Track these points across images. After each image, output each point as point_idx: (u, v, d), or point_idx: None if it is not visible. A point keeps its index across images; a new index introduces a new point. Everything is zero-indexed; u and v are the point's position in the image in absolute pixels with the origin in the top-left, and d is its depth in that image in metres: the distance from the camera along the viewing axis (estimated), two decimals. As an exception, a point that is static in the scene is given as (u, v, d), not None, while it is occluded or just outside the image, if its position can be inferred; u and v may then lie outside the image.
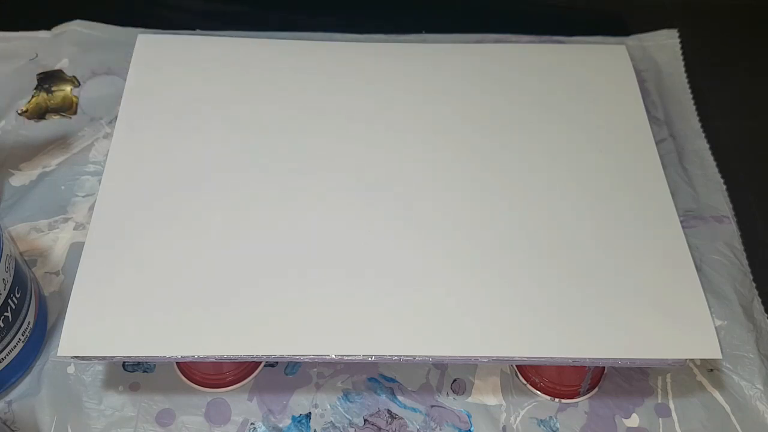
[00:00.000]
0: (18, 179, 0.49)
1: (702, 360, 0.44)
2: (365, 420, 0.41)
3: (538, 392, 0.42)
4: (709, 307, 0.39)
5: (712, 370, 0.43)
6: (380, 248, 0.41)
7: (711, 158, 0.53)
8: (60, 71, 0.54)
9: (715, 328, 0.38)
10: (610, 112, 0.48)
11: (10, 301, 0.38)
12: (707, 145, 0.53)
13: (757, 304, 0.46)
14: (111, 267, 0.39)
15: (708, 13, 0.63)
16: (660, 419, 0.42)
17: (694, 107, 0.56)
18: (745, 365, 0.43)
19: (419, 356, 0.37)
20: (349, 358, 0.37)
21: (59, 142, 0.51)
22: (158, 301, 0.38)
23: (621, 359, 0.38)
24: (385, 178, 0.43)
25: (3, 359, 0.39)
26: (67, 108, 0.53)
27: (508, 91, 0.49)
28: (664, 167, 0.45)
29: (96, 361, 0.41)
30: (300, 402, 0.41)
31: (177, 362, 0.42)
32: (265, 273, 0.39)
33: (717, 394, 0.43)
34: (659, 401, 0.42)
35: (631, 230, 0.42)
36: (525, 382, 0.43)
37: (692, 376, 0.43)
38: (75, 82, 0.54)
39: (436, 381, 0.43)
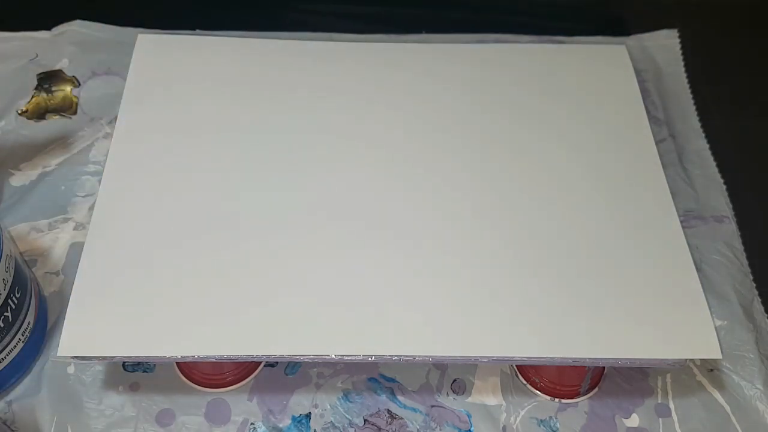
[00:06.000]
0: (18, 179, 0.49)
1: (702, 360, 0.44)
2: (365, 420, 0.41)
3: (538, 392, 0.42)
4: (709, 307, 0.39)
5: (712, 370, 0.43)
6: (380, 248, 0.40)
7: (711, 158, 0.53)
8: (60, 71, 0.54)
9: (715, 328, 0.38)
10: (610, 112, 0.48)
11: (10, 301, 0.38)
12: (707, 145, 0.53)
13: (757, 304, 0.46)
14: (111, 267, 0.39)
15: (708, 13, 0.63)
16: (660, 419, 0.42)
17: (694, 107, 0.56)
18: (745, 365, 0.43)
19: (419, 356, 0.37)
20: (349, 358, 0.37)
21: (59, 142, 0.51)
22: (158, 300, 0.38)
23: (621, 359, 0.38)
24: (384, 178, 0.43)
25: (3, 359, 0.39)
26: (67, 108, 0.53)
27: (508, 91, 0.49)
28: (664, 167, 0.45)
29: (96, 361, 0.41)
30: (300, 402, 0.41)
31: (177, 362, 0.42)
32: (266, 273, 0.39)
33: (717, 394, 0.43)
34: (659, 401, 0.42)
35: (631, 230, 0.42)
36: (525, 382, 0.43)
37: (692, 376, 0.43)
38: (75, 82, 0.54)
39: (436, 381, 0.43)
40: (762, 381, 0.43)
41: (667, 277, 0.40)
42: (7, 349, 0.39)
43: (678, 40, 0.59)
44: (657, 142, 0.46)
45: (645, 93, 0.54)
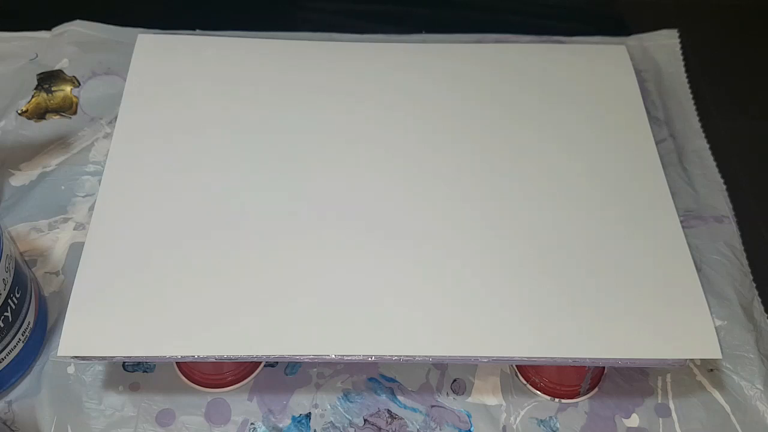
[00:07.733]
0: (18, 179, 0.49)
1: (702, 360, 0.44)
2: (365, 420, 0.41)
3: (538, 392, 0.42)
4: (709, 307, 0.39)
5: (712, 370, 0.43)
6: (380, 248, 0.40)
7: (711, 158, 0.53)
8: (60, 71, 0.54)
9: (715, 328, 0.38)
10: (610, 112, 0.48)
11: (10, 301, 0.38)
12: (707, 145, 0.53)
13: (757, 304, 0.46)
14: (111, 267, 0.39)
15: (708, 13, 0.63)
16: (660, 419, 0.42)
17: (694, 107, 0.56)
18: (745, 365, 0.43)
19: (419, 356, 0.37)
20: (349, 358, 0.37)
21: (59, 142, 0.51)
22: (158, 300, 0.38)
23: (621, 359, 0.38)
24: (384, 178, 0.43)
25: (3, 359, 0.39)
26: (67, 108, 0.53)
27: (508, 91, 0.49)
28: (664, 167, 0.45)
29: (96, 361, 0.41)
30: (300, 402, 0.41)
31: (177, 362, 0.42)
32: (266, 273, 0.39)
33: (717, 394, 0.43)
34: (659, 401, 0.42)
35: (631, 230, 0.42)
36: (525, 382, 0.43)
37: (692, 376, 0.43)
38: (75, 82, 0.54)
39: (436, 381, 0.43)
40: (762, 381, 0.43)
41: (667, 277, 0.40)
42: (7, 349, 0.39)
43: (678, 40, 0.59)
44: (657, 142, 0.46)
45: (645, 93, 0.54)
